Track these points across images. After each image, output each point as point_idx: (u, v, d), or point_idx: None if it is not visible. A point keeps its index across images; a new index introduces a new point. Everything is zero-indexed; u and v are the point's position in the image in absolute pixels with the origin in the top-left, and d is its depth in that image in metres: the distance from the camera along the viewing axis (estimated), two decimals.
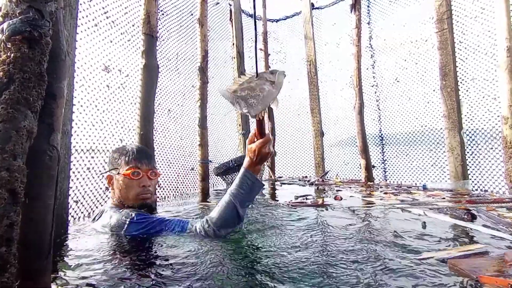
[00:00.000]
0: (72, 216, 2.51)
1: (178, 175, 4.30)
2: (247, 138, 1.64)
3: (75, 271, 1.48)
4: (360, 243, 1.72)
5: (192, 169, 4.53)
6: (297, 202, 3.18)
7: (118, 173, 1.95)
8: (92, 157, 2.76)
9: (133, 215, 1.76)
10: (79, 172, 2.61)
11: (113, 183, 1.99)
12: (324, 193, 4.09)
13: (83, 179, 2.66)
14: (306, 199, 3.45)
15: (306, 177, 6.67)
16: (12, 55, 0.85)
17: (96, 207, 2.84)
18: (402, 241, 1.73)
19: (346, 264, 1.38)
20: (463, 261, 1.30)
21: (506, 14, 3.61)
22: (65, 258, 1.64)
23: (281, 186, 5.39)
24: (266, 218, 2.42)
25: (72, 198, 2.48)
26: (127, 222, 1.73)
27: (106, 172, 2.07)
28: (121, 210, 1.88)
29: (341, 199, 3.36)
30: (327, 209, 2.79)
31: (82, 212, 2.67)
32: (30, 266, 0.92)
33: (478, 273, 1.13)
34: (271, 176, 6.51)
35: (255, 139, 1.57)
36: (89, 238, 1.95)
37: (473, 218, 2.23)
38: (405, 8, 5.48)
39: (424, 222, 2.12)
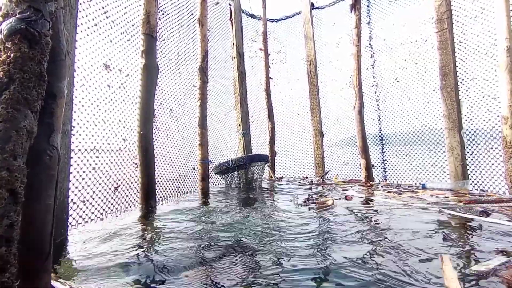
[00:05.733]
0: (81, 217, 2.51)
1: (179, 175, 4.29)
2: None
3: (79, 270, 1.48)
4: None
5: (194, 168, 4.54)
6: (319, 205, 3.13)
7: None
8: (97, 157, 2.75)
9: None
10: (84, 172, 2.60)
11: None
12: (326, 194, 4.09)
13: (89, 179, 2.65)
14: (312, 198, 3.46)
15: (307, 177, 6.67)
16: (12, 55, 0.84)
17: (108, 208, 2.86)
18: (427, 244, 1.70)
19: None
20: None
21: (506, 14, 3.61)
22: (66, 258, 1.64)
23: (282, 186, 5.38)
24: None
25: (79, 198, 2.47)
26: None
27: None
28: None
29: (352, 198, 3.40)
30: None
31: (92, 213, 2.65)
32: (30, 266, 0.92)
33: None
34: (271, 177, 6.51)
35: None
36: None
37: (487, 215, 2.28)
38: (405, 8, 5.48)
39: (481, 225, 2.11)
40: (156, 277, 1.42)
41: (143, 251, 1.80)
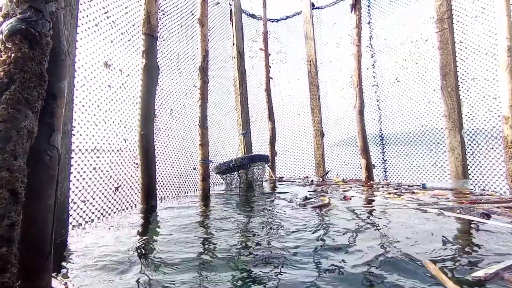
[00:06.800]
0: (81, 217, 2.49)
1: (180, 175, 4.29)
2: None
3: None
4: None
5: (194, 168, 4.54)
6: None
7: None
8: (98, 157, 2.74)
9: None
10: (84, 172, 2.60)
11: None
12: (325, 194, 4.08)
13: (90, 179, 2.65)
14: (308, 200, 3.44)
15: (307, 177, 6.67)
16: (12, 55, 0.85)
17: (108, 208, 2.85)
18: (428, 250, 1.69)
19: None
20: None
21: (506, 13, 3.60)
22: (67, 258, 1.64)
23: (283, 186, 5.38)
24: None
25: (79, 198, 2.47)
26: None
27: None
28: None
29: (351, 199, 3.35)
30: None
31: (93, 213, 2.64)
32: (30, 266, 0.92)
33: None
34: (271, 177, 6.51)
35: None
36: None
37: (488, 217, 2.28)
38: (405, 8, 5.48)
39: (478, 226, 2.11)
40: (154, 279, 1.42)
41: (142, 253, 1.80)
